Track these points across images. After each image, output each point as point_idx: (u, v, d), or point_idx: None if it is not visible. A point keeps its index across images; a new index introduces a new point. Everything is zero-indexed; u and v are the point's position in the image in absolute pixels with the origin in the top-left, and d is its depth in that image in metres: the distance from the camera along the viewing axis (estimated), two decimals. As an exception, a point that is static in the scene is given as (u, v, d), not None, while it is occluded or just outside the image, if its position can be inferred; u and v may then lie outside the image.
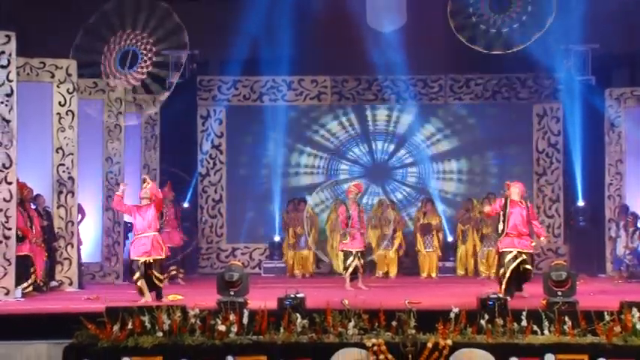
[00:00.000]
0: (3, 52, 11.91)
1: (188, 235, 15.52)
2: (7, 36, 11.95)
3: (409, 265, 16.15)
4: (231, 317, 9.12)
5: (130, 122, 14.25)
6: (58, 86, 13.37)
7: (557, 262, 10.84)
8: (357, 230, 13.29)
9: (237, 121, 17.28)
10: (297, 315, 9.17)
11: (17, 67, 12.25)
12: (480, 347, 8.91)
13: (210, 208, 17.21)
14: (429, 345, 8.84)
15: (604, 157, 15.79)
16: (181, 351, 8.97)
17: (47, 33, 14.48)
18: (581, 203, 16.16)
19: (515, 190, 11.65)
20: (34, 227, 12.40)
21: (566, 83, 16.35)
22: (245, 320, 9.13)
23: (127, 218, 14.32)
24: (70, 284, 13.29)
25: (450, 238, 16.34)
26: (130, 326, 9.06)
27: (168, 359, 8.94)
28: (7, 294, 11.63)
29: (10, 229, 11.74)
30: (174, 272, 14.45)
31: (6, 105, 11.83)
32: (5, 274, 11.67)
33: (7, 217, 11.73)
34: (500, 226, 11.57)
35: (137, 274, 11.27)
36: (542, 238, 11.85)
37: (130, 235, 13.59)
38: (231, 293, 9.69)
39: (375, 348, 8.87)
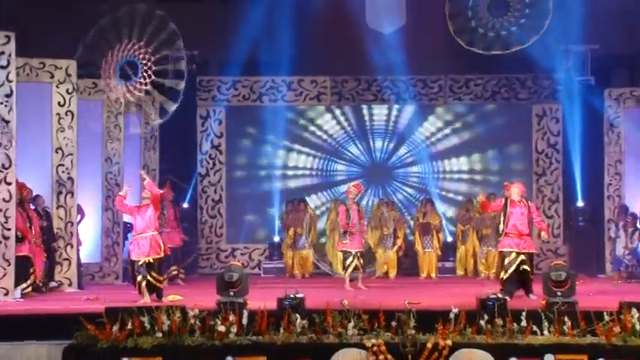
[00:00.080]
0: (2, 53, 11.91)
1: (188, 236, 15.48)
2: (6, 36, 11.95)
3: (409, 265, 16.14)
4: (231, 318, 9.13)
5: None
6: (57, 86, 13.36)
7: (556, 262, 10.85)
8: (356, 231, 13.29)
9: (236, 121, 17.28)
10: (297, 315, 9.17)
11: (17, 68, 12.25)
12: (479, 347, 8.92)
13: (210, 208, 17.20)
14: (429, 345, 8.85)
15: (603, 158, 15.79)
16: (181, 351, 8.98)
17: (47, 33, 14.46)
18: (580, 203, 16.16)
19: (515, 190, 11.65)
20: (33, 228, 12.39)
21: (566, 84, 16.34)
22: (245, 321, 9.14)
23: (126, 218, 14.32)
24: (70, 285, 13.29)
25: (449, 239, 16.35)
26: (129, 327, 9.06)
27: (168, 360, 8.96)
28: (6, 294, 11.62)
29: (9, 229, 11.74)
30: (175, 272, 14.44)
31: (5, 105, 11.83)
32: (4, 275, 11.67)
33: (7, 218, 11.73)
34: (501, 227, 11.58)
35: (140, 277, 11.26)
36: (542, 233, 11.84)
37: (129, 235, 13.59)
38: (231, 294, 9.69)
39: (375, 348, 8.87)
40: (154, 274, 11.29)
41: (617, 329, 8.94)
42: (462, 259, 15.78)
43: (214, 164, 17.23)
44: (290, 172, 17.31)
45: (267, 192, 17.09)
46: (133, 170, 15.16)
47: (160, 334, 9.04)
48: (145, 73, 11.87)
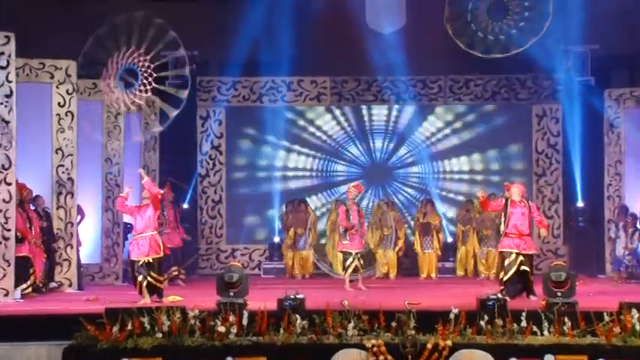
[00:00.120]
0: (2, 53, 11.91)
1: (188, 236, 15.47)
2: (6, 37, 11.95)
3: (409, 265, 16.14)
4: (231, 318, 9.13)
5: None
6: (57, 87, 13.36)
7: (556, 262, 10.85)
8: (356, 231, 13.29)
9: (236, 121, 17.28)
10: (297, 316, 9.17)
11: (17, 68, 12.25)
12: (479, 348, 8.91)
13: (210, 209, 17.20)
14: (429, 346, 8.85)
15: (603, 158, 15.79)
16: (181, 352, 8.97)
17: (47, 33, 14.47)
18: (580, 204, 16.16)
19: (516, 191, 11.66)
20: (33, 228, 12.38)
21: (566, 84, 16.35)
22: (245, 321, 9.13)
23: (126, 219, 14.31)
24: (70, 285, 13.29)
25: (449, 239, 16.35)
26: (129, 327, 9.06)
27: (168, 360, 8.96)
28: (6, 295, 11.62)
29: (9, 230, 11.74)
30: (175, 273, 14.44)
31: (5, 106, 11.83)
32: (4, 276, 11.67)
33: (7, 218, 11.73)
34: (502, 227, 11.59)
35: (140, 277, 11.26)
36: (542, 230, 11.82)
37: (129, 236, 13.58)
38: (231, 294, 9.69)
39: (375, 349, 8.87)
40: (153, 274, 11.29)
41: (617, 330, 8.94)
42: (463, 260, 15.78)
43: (214, 165, 17.23)
44: (290, 173, 17.31)
45: (267, 193, 17.09)
46: (133, 171, 15.14)
47: (160, 335, 9.04)
48: (145, 80, 11.82)
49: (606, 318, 9.03)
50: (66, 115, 13.37)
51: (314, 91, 17.23)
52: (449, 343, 8.86)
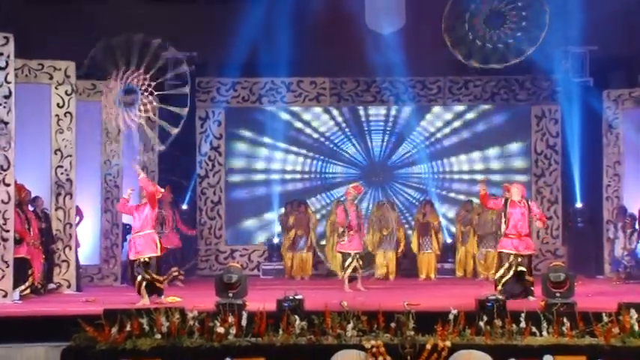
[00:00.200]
0: (1, 54, 11.90)
1: (187, 237, 15.44)
2: (5, 37, 11.94)
3: (408, 266, 16.14)
4: (230, 319, 9.12)
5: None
6: (56, 88, 13.36)
7: (555, 263, 10.84)
8: (355, 232, 13.28)
9: (236, 122, 17.27)
10: (296, 317, 9.17)
11: (15, 69, 12.24)
12: (478, 348, 8.92)
13: (209, 209, 17.19)
14: (428, 346, 8.85)
15: (602, 159, 15.80)
16: (180, 353, 8.97)
17: (47, 33, 14.47)
18: (579, 205, 16.17)
19: (515, 191, 11.69)
20: (31, 229, 12.38)
21: (564, 85, 16.35)
22: (244, 322, 9.13)
23: (125, 220, 14.30)
24: (68, 286, 13.28)
25: (448, 240, 16.34)
26: (128, 329, 9.05)
27: (167, 361, 8.95)
28: (4, 296, 11.61)
29: (7, 231, 11.73)
30: (175, 274, 14.43)
31: (4, 107, 11.82)
32: (3, 277, 11.65)
33: (5, 220, 11.72)
34: (503, 227, 11.60)
35: (139, 277, 11.26)
36: (537, 222, 11.81)
37: (128, 236, 13.56)
38: (230, 295, 9.69)
39: (374, 349, 8.87)
40: (151, 273, 11.27)
41: (615, 330, 8.95)
42: (462, 261, 15.77)
43: (213, 166, 17.22)
44: (288, 175, 17.30)
45: (266, 194, 17.08)
46: (132, 172, 15.13)
47: (158, 336, 9.03)
48: (145, 100, 11.78)
49: (605, 318, 9.04)
50: (65, 115, 13.37)
51: (313, 92, 17.23)
52: (448, 343, 8.86)
